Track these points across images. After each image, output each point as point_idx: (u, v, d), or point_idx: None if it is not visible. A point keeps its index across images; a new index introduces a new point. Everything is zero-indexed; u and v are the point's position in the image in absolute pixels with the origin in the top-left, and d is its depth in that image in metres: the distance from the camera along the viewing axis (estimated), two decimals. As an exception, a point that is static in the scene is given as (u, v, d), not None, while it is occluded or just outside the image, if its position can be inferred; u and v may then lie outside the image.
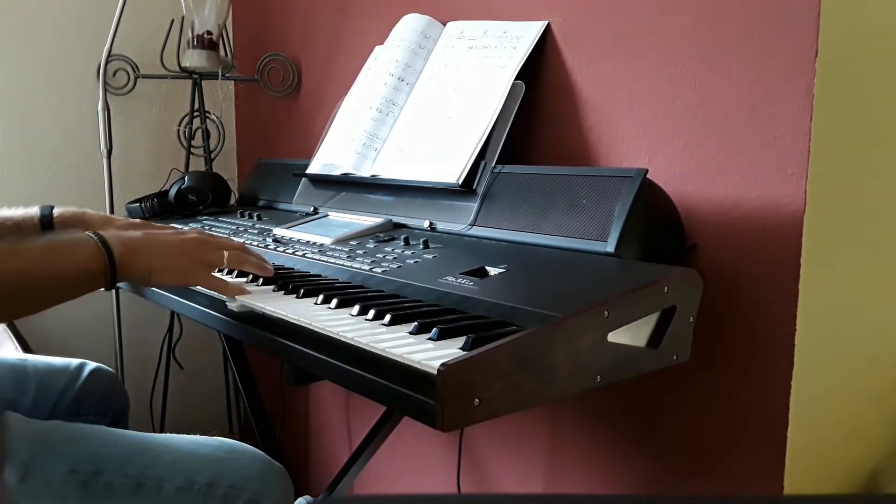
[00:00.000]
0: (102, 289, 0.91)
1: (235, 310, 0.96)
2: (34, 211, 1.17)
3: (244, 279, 1.07)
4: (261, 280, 1.04)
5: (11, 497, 0.87)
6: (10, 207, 1.17)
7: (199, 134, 1.94)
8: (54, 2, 1.88)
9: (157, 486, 0.90)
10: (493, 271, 0.92)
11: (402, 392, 0.69)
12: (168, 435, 0.99)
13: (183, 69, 1.85)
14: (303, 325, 0.85)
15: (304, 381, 1.73)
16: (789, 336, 0.91)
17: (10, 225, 1.15)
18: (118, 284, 0.95)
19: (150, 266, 0.93)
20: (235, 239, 1.26)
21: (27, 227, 1.16)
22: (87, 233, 0.92)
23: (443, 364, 0.65)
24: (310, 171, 1.43)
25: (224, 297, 0.98)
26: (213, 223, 1.46)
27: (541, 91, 1.20)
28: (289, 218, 1.39)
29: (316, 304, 0.92)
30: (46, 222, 1.17)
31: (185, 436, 0.99)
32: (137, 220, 1.36)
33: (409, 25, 1.37)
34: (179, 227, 1.35)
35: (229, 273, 1.11)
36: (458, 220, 1.13)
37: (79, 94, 1.90)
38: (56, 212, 1.18)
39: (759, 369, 0.95)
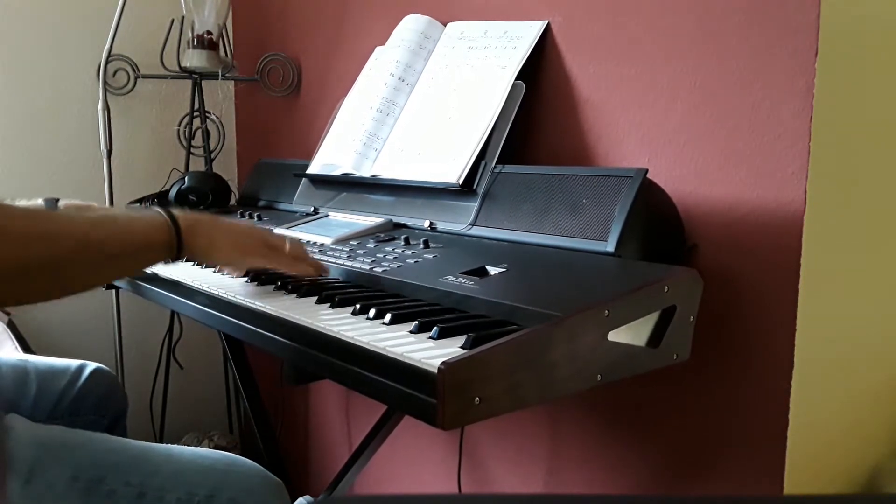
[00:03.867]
0: (167, 261, 0.92)
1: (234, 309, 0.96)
2: (38, 202, 1.16)
3: (244, 278, 1.07)
4: (263, 277, 1.04)
5: (14, 501, 0.87)
6: (13, 200, 1.16)
7: (199, 134, 1.94)
8: (54, 2, 1.88)
9: (158, 497, 0.90)
10: (493, 271, 0.92)
11: (403, 391, 0.69)
12: (170, 445, 0.99)
13: (183, 69, 1.85)
14: (303, 324, 0.85)
15: (304, 381, 1.74)
16: (789, 336, 0.91)
17: None
18: (120, 281, 0.94)
19: (213, 238, 0.94)
20: None
21: None
22: (154, 207, 0.93)
23: (443, 363, 0.65)
24: (310, 171, 1.43)
25: (224, 297, 0.98)
26: (213, 223, 1.46)
27: (541, 91, 1.20)
28: (289, 218, 1.39)
29: (316, 303, 0.92)
30: None
31: (186, 447, 0.99)
32: None
33: (410, 26, 1.37)
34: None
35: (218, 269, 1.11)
36: (458, 220, 1.13)
37: (79, 94, 1.90)
38: (62, 204, 1.17)
39: (759, 369, 0.95)
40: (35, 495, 0.88)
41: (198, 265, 1.18)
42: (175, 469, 0.93)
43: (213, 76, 1.86)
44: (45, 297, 0.83)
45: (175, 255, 0.91)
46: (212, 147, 1.97)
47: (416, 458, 1.57)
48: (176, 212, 0.92)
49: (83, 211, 1.17)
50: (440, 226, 1.16)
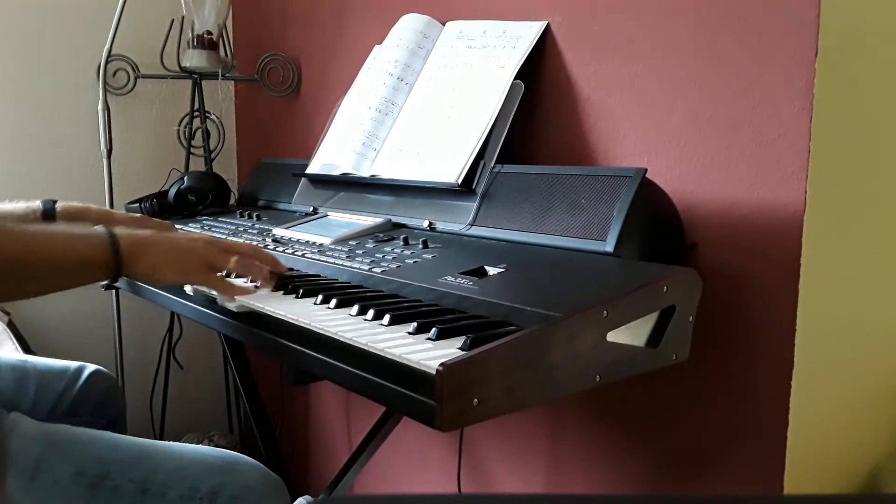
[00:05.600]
0: (106, 281, 0.93)
1: (234, 309, 0.96)
2: (36, 204, 1.17)
3: (243, 279, 1.07)
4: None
5: (19, 497, 0.88)
6: (11, 202, 1.17)
7: (199, 134, 1.94)
8: (54, 2, 1.88)
9: (160, 493, 0.91)
10: (492, 271, 0.92)
11: (402, 392, 0.69)
12: (172, 443, 1.00)
13: (183, 69, 1.85)
14: (302, 325, 0.85)
15: (304, 381, 1.74)
16: (789, 336, 0.91)
17: (12, 219, 1.15)
18: (120, 282, 0.95)
19: (155, 262, 0.93)
20: (239, 239, 1.26)
21: (30, 221, 1.16)
22: (98, 226, 0.93)
23: (442, 364, 0.65)
24: (309, 171, 1.43)
25: (223, 299, 0.98)
26: (212, 223, 1.46)
27: (540, 91, 1.20)
28: (288, 218, 1.39)
29: (315, 304, 0.92)
30: (49, 216, 1.17)
31: (188, 444, 1.00)
32: (139, 215, 1.36)
33: (409, 25, 1.37)
34: (178, 228, 1.35)
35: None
36: (457, 220, 1.13)
37: (79, 94, 1.90)
38: (59, 206, 1.18)
39: (759, 369, 0.95)
40: (40, 491, 0.89)
41: None
42: (178, 466, 0.94)
43: (213, 76, 1.86)
44: None
45: (115, 276, 0.91)
46: (212, 147, 1.97)
47: (415, 458, 1.57)
48: (120, 231, 0.92)
49: (75, 217, 1.18)
50: (439, 226, 1.16)
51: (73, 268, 0.89)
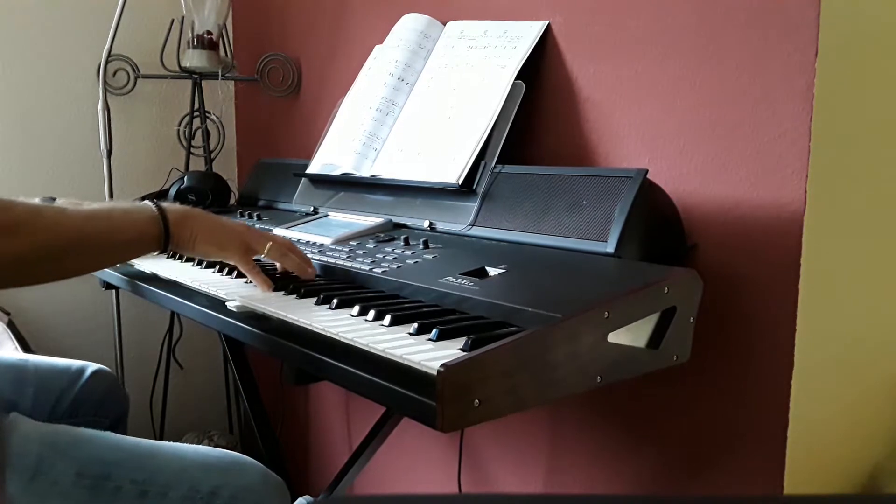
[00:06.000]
0: (156, 252, 0.98)
1: (234, 309, 0.97)
2: (35, 201, 1.17)
3: (243, 279, 1.07)
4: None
5: (19, 498, 0.88)
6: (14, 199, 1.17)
7: (199, 134, 1.94)
8: (54, 2, 1.88)
9: (161, 493, 0.92)
10: (493, 271, 0.92)
11: (402, 393, 0.69)
12: (173, 443, 1.01)
13: (183, 69, 1.85)
14: (303, 325, 0.85)
15: (304, 381, 1.73)
16: (789, 336, 0.91)
17: None
18: (119, 282, 0.96)
19: (196, 233, 0.99)
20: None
21: None
22: (145, 201, 1.00)
23: (443, 365, 0.65)
24: (310, 171, 1.43)
25: (224, 297, 0.99)
26: (213, 223, 1.46)
27: (541, 91, 1.20)
28: (289, 218, 1.39)
29: (316, 304, 0.92)
30: None
31: (188, 445, 1.01)
32: None
33: (410, 25, 1.37)
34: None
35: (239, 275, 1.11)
36: (458, 221, 1.13)
37: (79, 94, 1.90)
38: (58, 202, 1.18)
39: (759, 369, 0.95)
40: (40, 492, 0.89)
41: (198, 264, 1.19)
42: (179, 467, 0.95)
43: (213, 76, 1.86)
44: (37, 283, 0.91)
45: (164, 248, 0.97)
46: (212, 147, 1.97)
47: (416, 457, 1.57)
48: (167, 205, 0.99)
49: (79, 205, 1.19)
50: (440, 226, 1.16)
51: (128, 242, 0.95)
